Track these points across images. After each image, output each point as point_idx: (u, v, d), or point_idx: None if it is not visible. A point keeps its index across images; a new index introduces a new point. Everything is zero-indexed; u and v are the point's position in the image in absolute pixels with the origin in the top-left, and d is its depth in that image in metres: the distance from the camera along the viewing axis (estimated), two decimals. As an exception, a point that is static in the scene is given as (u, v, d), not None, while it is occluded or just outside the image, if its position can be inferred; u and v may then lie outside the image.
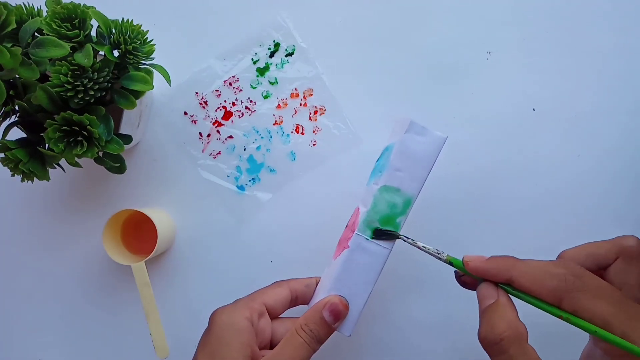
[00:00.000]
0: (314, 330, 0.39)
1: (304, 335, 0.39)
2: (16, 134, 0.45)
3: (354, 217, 0.43)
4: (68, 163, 0.44)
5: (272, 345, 0.41)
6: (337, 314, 0.40)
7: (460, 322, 0.51)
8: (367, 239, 0.40)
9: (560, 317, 0.32)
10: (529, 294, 0.33)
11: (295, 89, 0.54)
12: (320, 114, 0.53)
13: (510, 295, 0.35)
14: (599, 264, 0.35)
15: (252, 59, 0.54)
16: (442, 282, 0.52)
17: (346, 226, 0.45)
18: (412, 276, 0.52)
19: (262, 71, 0.54)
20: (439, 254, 0.38)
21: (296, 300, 0.43)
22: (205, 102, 0.54)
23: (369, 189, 0.41)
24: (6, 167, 0.42)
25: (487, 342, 0.32)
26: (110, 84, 0.42)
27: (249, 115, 0.54)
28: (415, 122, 0.40)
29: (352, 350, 0.52)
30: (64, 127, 0.41)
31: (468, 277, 0.37)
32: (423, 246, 0.39)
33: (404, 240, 0.40)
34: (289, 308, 0.43)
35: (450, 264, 0.37)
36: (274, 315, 0.42)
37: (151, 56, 0.44)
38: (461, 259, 0.37)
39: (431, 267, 0.52)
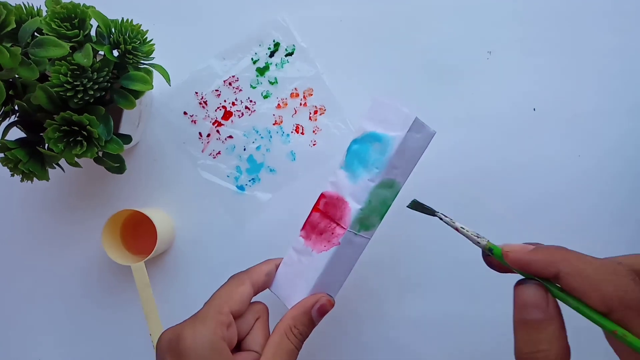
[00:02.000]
0: (302, 332, 0.38)
1: (293, 339, 0.37)
2: (16, 134, 0.45)
3: (338, 210, 0.41)
4: (68, 163, 0.44)
5: (237, 343, 0.39)
6: (324, 313, 0.40)
7: (459, 322, 0.51)
8: (356, 234, 0.40)
9: (614, 332, 0.26)
10: (577, 296, 0.27)
11: (295, 89, 0.54)
12: (320, 114, 0.53)
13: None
14: None
15: (252, 59, 0.54)
16: (440, 282, 0.52)
17: (316, 209, 0.43)
18: (411, 276, 0.52)
19: (262, 71, 0.54)
20: (478, 237, 0.34)
21: (257, 291, 0.41)
22: (205, 102, 0.54)
23: (363, 186, 0.40)
24: (6, 167, 0.42)
25: None
26: (109, 84, 0.42)
27: (249, 115, 0.54)
28: (419, 119, 0.38)
29: (352, 350, 0.52)
30: (63, 127, 0.40)
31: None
32: (461, 227, 0.35)
33: (441, 219, 0.37)
34: None
35: (490, 251, 0.32)
36: (237, 317, 0.38)
37: (151, 56, 0.44)
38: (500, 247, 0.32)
39: (430, 267, 0.52)
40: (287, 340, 0.37)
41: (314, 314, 0.39)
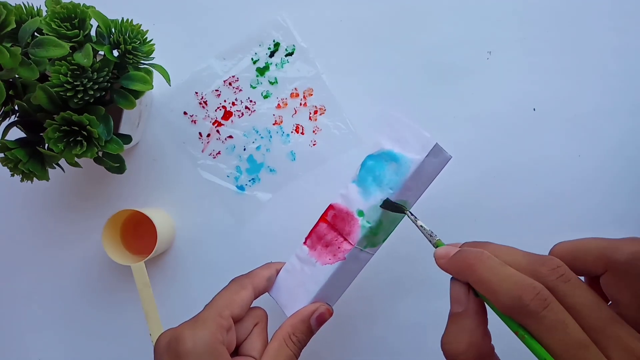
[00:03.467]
0: (301, 340, 0.39)
1: (292, 347, 0.38)
2: (16, 134, 0.45)
3: (347, 224, 0.41)
4: (68, 163, 0.44)
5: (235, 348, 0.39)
6: (323, 322, 0.40)
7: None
8: (362, 250, 0.40)
9: (516, 333, 0.27)
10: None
11: (295, 89, 0.54)
12: (320, 114, 0.53)
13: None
14: (587, 273, 0.29)
15: (252, 59, 0.54)
16: (441, 281, 0.51)
17: (324, 220, 0.42)
18: (412, 276, 0.52)
19: (262, 71, 0.54)
20: (430, 236, 0.37)
21: (257, 295, 0.41)
22: (205, 102, 0.54)
23: (376, 204, 0.39)
24: (6, 167, 0.42)
25: (446, 354, 0.30)
26: (109, 84, 0.42)
27: (249, 115, 0.54)
28: (439, 144, 0.38)
29: (352, 349, 0.52)
30: (63, 127, 0.40)
31: None
32: (421, 225, 0.37)
33: (408, 217, 0.39)
34: None
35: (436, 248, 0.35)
36: (237, 321, 0.38)
37: (151, 56, 0.44)
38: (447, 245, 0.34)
39: (431, 266, 0.52)
40: (286, 347, 0.38)
41: (312, 323, 0.39)
